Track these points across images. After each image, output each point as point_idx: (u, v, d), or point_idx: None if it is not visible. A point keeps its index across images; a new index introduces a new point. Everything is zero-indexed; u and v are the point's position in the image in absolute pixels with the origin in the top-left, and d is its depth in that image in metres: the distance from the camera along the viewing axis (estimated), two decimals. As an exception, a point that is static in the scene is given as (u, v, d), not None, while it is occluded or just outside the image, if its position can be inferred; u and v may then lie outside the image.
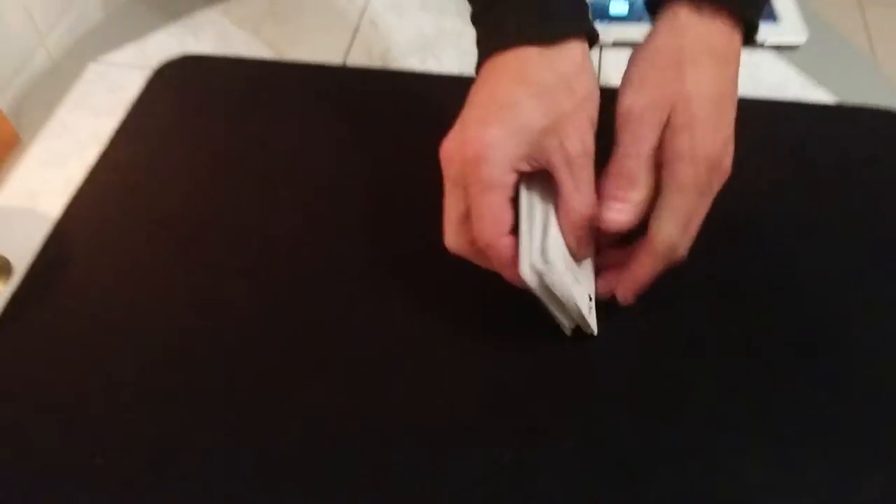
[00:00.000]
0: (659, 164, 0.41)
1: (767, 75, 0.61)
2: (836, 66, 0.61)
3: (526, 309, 0.44)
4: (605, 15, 0.65)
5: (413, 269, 0.50)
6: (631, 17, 0.65)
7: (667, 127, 0.40)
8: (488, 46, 0.42)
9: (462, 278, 0.46)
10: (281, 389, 0.45)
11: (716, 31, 0.42)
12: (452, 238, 0.43)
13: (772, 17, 0.64)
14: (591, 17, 0.44)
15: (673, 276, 0.43)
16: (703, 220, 0.41)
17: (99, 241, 0.52)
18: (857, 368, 0.44)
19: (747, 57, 0.61)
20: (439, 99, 0.48)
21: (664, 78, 0.41)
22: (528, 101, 0.40)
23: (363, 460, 0.42)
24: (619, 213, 0.41)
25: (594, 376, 0.44)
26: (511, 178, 0.41)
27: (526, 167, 0.41)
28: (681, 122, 0.40)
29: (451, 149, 0.41)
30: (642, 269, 0.42)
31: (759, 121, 0.57)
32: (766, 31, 0.63)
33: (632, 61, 0.43)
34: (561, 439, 0.42)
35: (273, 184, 0.55)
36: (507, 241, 0.41)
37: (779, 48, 0.63)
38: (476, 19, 0.44)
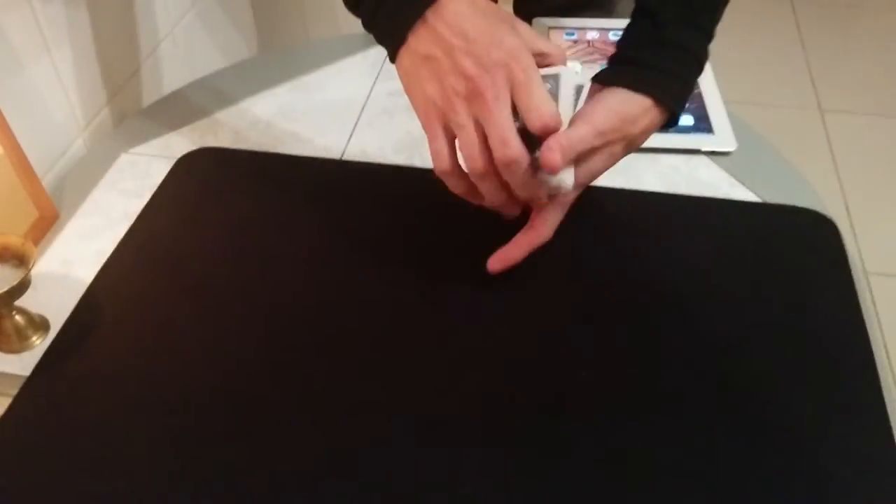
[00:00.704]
0: None
1: (703, 176, 0.71)
2: (762, 171, 0.71)
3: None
4: None
5: (410, 343, 0.58)
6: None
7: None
8: (408, 18, 0.51)
9: (467, 356, 0.55)
10: (283, 453, 0.51)
11: (656, 116, 0.57)
12: (478, 157, 0.51)
13: (708, 129, 0.75)
14: None
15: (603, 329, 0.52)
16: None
17: (125, 306, 0.60)
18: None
19: (686, 161, 0.72)
20: (422, 190, 0.57)
21: (624, 134, 0.56)
22: (507, 27, 0.51)
23: None
24: (556, 152, 0.51)
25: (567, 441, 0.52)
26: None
27: None
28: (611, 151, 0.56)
29: (470, 65, 0.49)
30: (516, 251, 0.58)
31: (693, 215, 0.67)
32: (702, 141, 0.73)
33: (608, 110, 0.55)
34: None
35: (279, 259, 0.63)
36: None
37: (712, 154, 0.73)
38: (376, 15, 0.53)
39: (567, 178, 0.53)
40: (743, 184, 0.70)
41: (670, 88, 0.57)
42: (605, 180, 0.70)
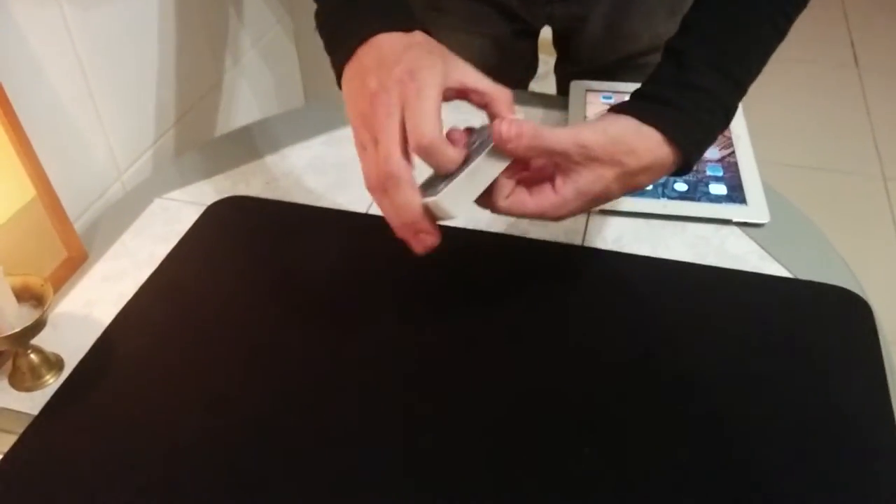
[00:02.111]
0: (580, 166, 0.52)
1: (732, 248, 0.69)
2: (794, 245, 0.69)
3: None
4: None
5: (422, 394, 0.57)
6: (654, 193, 0.74)
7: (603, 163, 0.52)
8: (356, 37, 0.53)
9: (472, 408, 0.53)
10: (280, 489, 0.51)
11: (663, 155, 0.54)
12: (369, 174, 0.51)
13: (741, 199, 0.73)
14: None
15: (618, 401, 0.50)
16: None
17: (138, 349, 0.61)
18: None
19: (716, 231, 0.71)
20: (449, 247, 0.56)
21: (617, 161, 0.53)
22: (424, 52, 0.51)
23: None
24: (507, 126, 0.50)
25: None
26: (438, 92, 0.49)
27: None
28: (613, 174, 0.53)
29: (374, 83, 0.51)
30: (526, 208, 0.54)
31: (720, 287, 0.65)
32: (734, 212, 0.71)
33: (600, 130, 0.53)
34: None
35: (296, 312, 0.63)
36: (440, 136, 0.49)
37: (744, 225, 0.71)
38: (333, 30, 0.56)
39: (450, 205, 0.50)
40: (774, 257, 0.68)
41: (686, 129, 0.54)
42: (631, 246, 0.69)
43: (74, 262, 0.69)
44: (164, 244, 0.71)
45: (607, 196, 0.54)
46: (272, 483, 0.52)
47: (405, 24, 0.54)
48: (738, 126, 0.82)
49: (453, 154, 0.50)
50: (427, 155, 0.49)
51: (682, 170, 0.56)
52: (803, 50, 2.35)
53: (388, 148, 0.49)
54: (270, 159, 0.82)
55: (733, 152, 0.78)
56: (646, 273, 0.66)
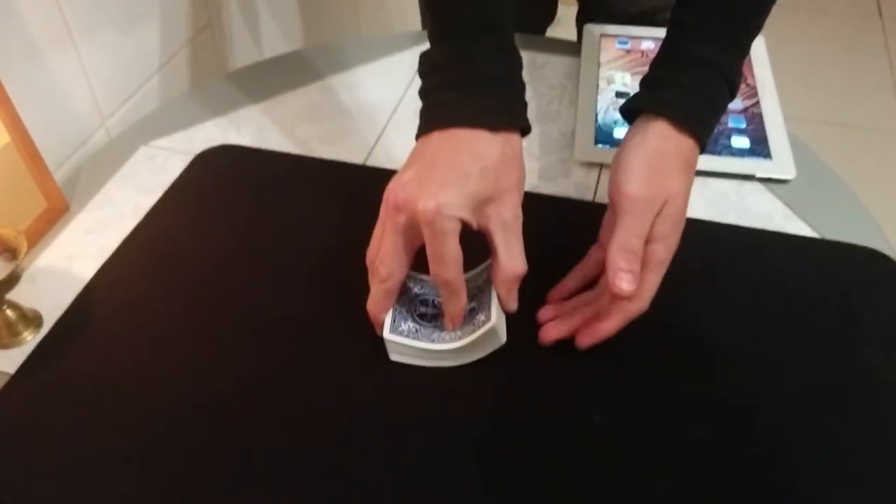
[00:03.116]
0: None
1: (755, 205, 0.64)
2: (821, 203, 0.64)
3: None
4: (608, 139, 0.70)
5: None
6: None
7: (658, 215, 0.50)
8: (443, 118, 0.50)
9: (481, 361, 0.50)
10: (269, 457, 0.48)
11: (687, 146, 0.52)
12: (390, 259, 0.50)
13: (766, 153, 0.68)
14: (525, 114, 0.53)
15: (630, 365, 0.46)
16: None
17: (121, 305, 0.58)
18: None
19: (738, 187, 0.66)
20: None
21: (660, 178, 0.51)
22: (477, 173, 0.48)
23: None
24: (629, 283, 0.49)
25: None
26: (458, 228, 0.48)
27: (470, 224, 0.48)
28: (669, 212, 0.51)
29: (406, 199, 0.48)
30: (611, 324, 0.51)
31: (740, 248, 0.61)
32: (757, 166, 0.67)
33: (626, 156, 0.52)
34: None
35: (286, 267, 0.60)
36: (461, 276, 0.49)
37: (768, 181, 0.66)
38: (430, 95, 0.53)
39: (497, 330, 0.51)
40: (799, 216, 0.63)
41: (690, 107, 0.52)
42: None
43: (54, 214, 0.65)
44: (149, 195, 0.67)
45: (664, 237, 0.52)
46: (262, 449, 0.48)
47: (503, 120, 0.50)
48: (763, 73, 0.76)
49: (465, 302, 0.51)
50: (448, 293, 0.50)
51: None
52: (825, 0, 2.26)
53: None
54: (263, 106, 0.77)
55: (757, 102, 0.73)
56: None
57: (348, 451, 0.48)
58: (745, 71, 0.77)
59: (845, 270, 0.59)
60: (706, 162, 0.67)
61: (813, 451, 0.48)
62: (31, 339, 0.56)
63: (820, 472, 0.47)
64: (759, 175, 0.67)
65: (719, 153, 0.68)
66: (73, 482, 0.47)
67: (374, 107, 0.76)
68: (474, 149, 0.49)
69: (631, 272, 0.49)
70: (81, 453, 0.49)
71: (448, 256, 0.48)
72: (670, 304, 0.56)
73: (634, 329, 0.52)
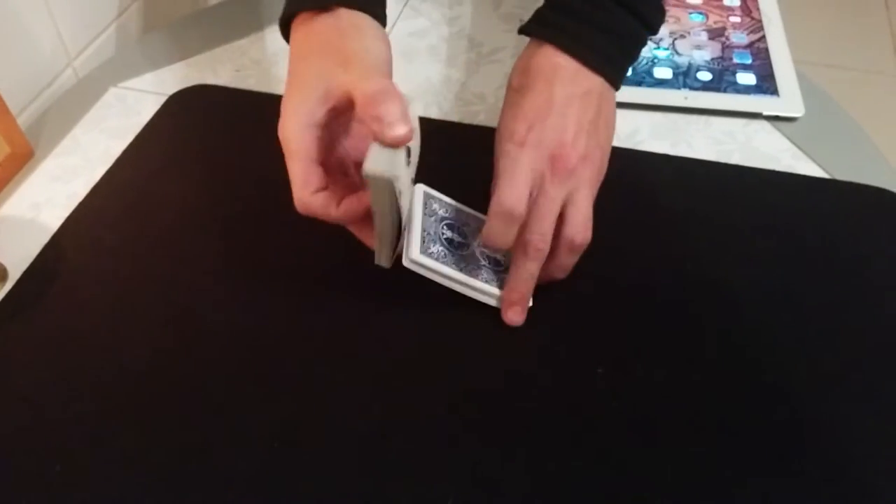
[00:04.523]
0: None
1: (762, 145, 0.61)
2: (831, 142, 0.61)
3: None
4: (645, 79, 0.66)
5: (395, 301, 0.51)
6: (674, 84, 0.65)
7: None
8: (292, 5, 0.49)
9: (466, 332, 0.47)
10: (246, 412, 0.46)
11: (583, 76, 0.49)
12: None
13: (773, 90, 0.64)
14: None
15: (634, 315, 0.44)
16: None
17: (90, 256, 0.54)
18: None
19: (744, 126, 0.63)
20: (436, 143, 0.50)
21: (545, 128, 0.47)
22: (312, 59, 0.46)
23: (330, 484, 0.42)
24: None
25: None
26: (310, 138, 0.45)
27: (326, 112, 0.45)
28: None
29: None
30: (564, 259, 0.49)
31: (747, 189, 0.57)
32: (764, 104, 0.63)
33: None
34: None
35: (262, 214, 0.56)
36: (318, 198, 0.45)
37: (775, 119, 0.63)
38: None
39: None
40: (808, 155, 0.60)
41: (576, 34, 0.48)
42: (647, 143, 0.61)
43: (18, 160, 0.61)
44: (120, 139, 0.63)
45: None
46: (237, 407, 0.46)
47: None
48: (769, 6, 0.72)
49: (335, 213, 0.46)
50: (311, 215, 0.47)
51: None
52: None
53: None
54: (241, 44, 0.72)
55: (763, 37, 0.69)
56: (664, 172, 0.59)
57: (340, 401, 0.46)
58: (750, 3, 0.73)
59: (856, 211, 0.56)
60: (710, 99, 0.64)
61: (819, 396, 0.46)
62: (-5, 293, 0.53)
63: (828, 414, 0.45)
64: (766, 113, 0.63)
65: (724, 90, 0.64)
66: (41, 440, 0.44)
67: (359, 44, 0.72)
68: (307, 36, 0.48)
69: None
70: (47, 409, 0.46)
71: (296, 180, 0.46)
72: (675, 248, 0.54)
73: (637, 275, 0.50)
